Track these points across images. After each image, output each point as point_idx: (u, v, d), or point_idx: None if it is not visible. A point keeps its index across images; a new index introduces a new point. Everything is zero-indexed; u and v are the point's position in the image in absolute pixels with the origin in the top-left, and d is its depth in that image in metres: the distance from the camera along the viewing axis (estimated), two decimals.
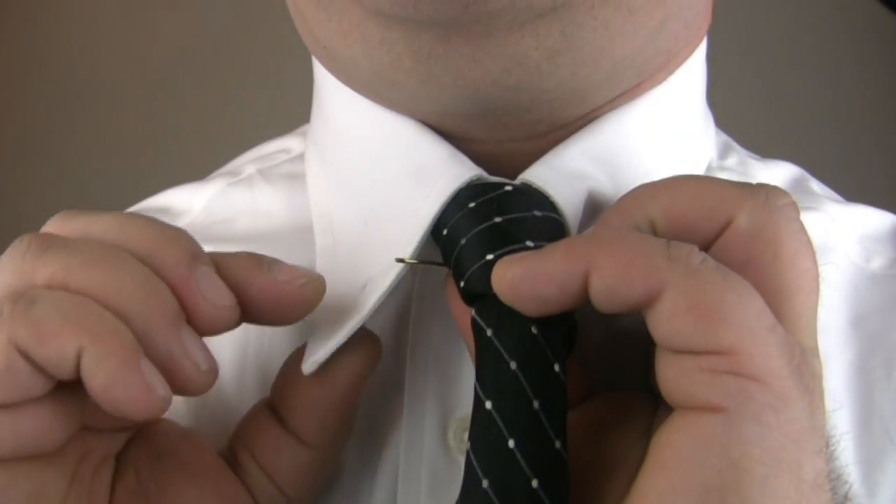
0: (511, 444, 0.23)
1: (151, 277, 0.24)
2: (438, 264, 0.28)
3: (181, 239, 0.25)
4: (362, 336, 0.28)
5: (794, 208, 0.23)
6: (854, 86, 1.13)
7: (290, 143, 0.39)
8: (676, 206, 0.23)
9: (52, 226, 0.26)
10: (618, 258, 0.22)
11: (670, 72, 0.31)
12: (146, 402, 0.22)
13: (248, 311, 0.26)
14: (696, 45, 0.33)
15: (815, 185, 0.38)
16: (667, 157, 0.31)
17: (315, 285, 0.26)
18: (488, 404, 0.24)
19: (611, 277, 0.22)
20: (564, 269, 0.23)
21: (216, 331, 0.25)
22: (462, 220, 0.27)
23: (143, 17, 1.22)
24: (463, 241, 0.26)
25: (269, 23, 1.18)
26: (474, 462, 0.24)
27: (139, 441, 0.27)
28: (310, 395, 0.28)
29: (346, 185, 0.32)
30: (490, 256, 0.25)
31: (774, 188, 0.23)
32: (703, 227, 0.23)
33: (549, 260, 0.23)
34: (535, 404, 0.23)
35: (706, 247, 0.23)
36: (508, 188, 0.27)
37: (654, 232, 0.24)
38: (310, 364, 0.27)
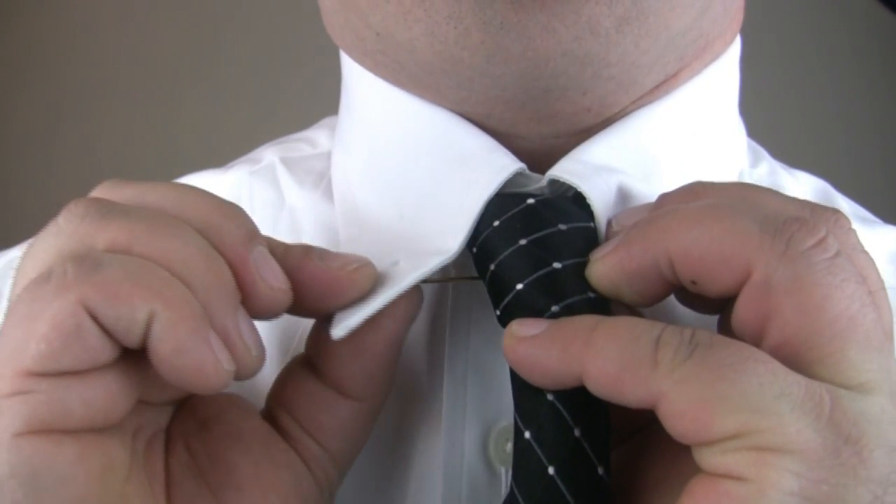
0: (551, 470, 0.24)
1: (213, 252, 0.23)
2: (473, 278, 0.28)
3: (239, 215, 0.25)
4: None
5: (823, 247, 0.22)
6: (853, 86, 1.13)
7: (316, 136, 0.38)
8: (695, 250, 0.23)
9: (101, 192, 0.25)
10: (607, 371, 0.22)
11: (704, 63, 0.31)
12: (213, 373, 0.22)
13: (299, 298, 0.25)
14: (729, 41, 0.33)
15: (843, 202, 0.38)
16: (700, 158, 0.31)
17: (367, 270, 0.26)
18: (527, 434, 0.24)
19: (602, 389, 0.22)
20: (559, 368, 0.23)
21: (268, 314, 0.24)
22: (489, 241, 0.27)
23: (143, 16, 1.22)
24: (493, 267, 0.26)
25: (272, 24, 1.18)
26: (515, 489, 0.24)
27: (184, 412, 0.26)
28: (353, 344, 0.26)
29: (379, 180, 0.31)
30: (520, 286, 0.25)
31: (804, 226, 0.22)
32: (722, 276, 0.22)
33: (546, 355, 0.23)
34: (577, 432, 0.24)
35: (728, 296, 0.23)
36: (531, 201, 0.27)
37: (673, 270, 0.23)
38: (341, 328, 0.25)
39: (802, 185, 0.37)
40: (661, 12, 0.27)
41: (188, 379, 0.22)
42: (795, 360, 0.21)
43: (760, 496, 0.20)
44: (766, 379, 0.20)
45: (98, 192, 0.25)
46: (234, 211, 0.25)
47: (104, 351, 0.22)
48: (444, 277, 0.29)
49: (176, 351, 0.22)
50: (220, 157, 0.41)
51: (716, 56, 0.32)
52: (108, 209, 0.23)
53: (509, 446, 0.25)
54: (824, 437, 0.20)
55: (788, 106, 1.11)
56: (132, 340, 0.22)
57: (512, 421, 0.25)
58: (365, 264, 0.26)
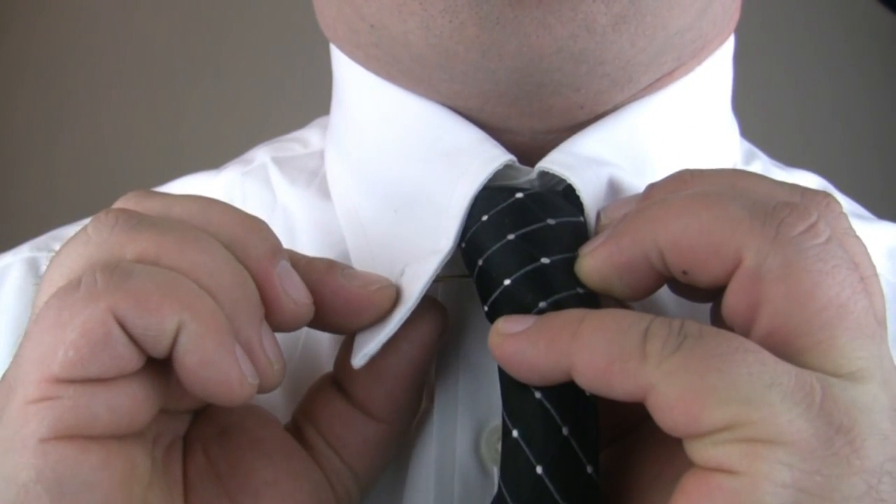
0: (539, 470, 0.23)
1: (238, 265, 0.23)
2: (463, 277, 0.28)
3: (263, 229, 0.25)
4: (426, 304, 0.27)
5: (814, 232, 0.22)
6: (853, 86, 1.13)
7: (307, 136, 0.38)
8: (685, 240, 0.22)
9: (127, 203, 0.25)
10: (595, 364, 0.22)
11: (699, 62, 0.31)
12: (238, 386, 0.22)
13: (320, 313, 0.25)
14: (724, 40, 0.33)
15: (841, 200, 0.37)
16: (692, 153, 0.31)
17: (388, 291, 0.26)
18: (515, 433, 0.24)
19: (591, 382, 0.22)
20: (546, 363, 0.23)
21: (289, 328, 0.25)
22: (478, 236, 0.26)
23: (143, 16, 1.22)
24: (481, 263, 0.26)
25: (271, 24, 1.18)
26: (503, 489, 0.24)
27: (203, 419, 0.27)
28: (375, 367, 0.26)
29: (371, 175, 0.31)
30: (507, 282, 0.25)
31: (794, 211, 0.22)
32: (713, 265, 0.22)
33: (533, 350, 0.23)
34: (565, 430, 0.23)
35: (719, 286, 0.23)
36: (519, 195, 0.27)
37: (663, 261, 0.23)
38: (360, 357, 0.26)
39: (799, 183, 0.37)
40: (659, 12, 0.27)
41: (213, 391, 0.22)
42: (785, 348, 0.21)
43: (753, 489, 0.20)
44: (755, 369, 0.20)
45: (124, 203, 0.25)
46: (258, 225, 0.25)
47: (131, 360, 0.22)
48: (435, 277, 0.29)
49: (202, 363, 0.22)
50: (219, 157, 0.41)
51: (710, 54, 0.32)
52: (137, 220, 0.23)
53: (500, 446, 0.25)
54: (816, 427, 0.20)
55: (787, 105, 1.11)
56: (159, 351, 0.22)
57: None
58: (385, 286, 0.26)
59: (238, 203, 0.35)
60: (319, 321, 0.26)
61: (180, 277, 0.22)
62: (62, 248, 0.24)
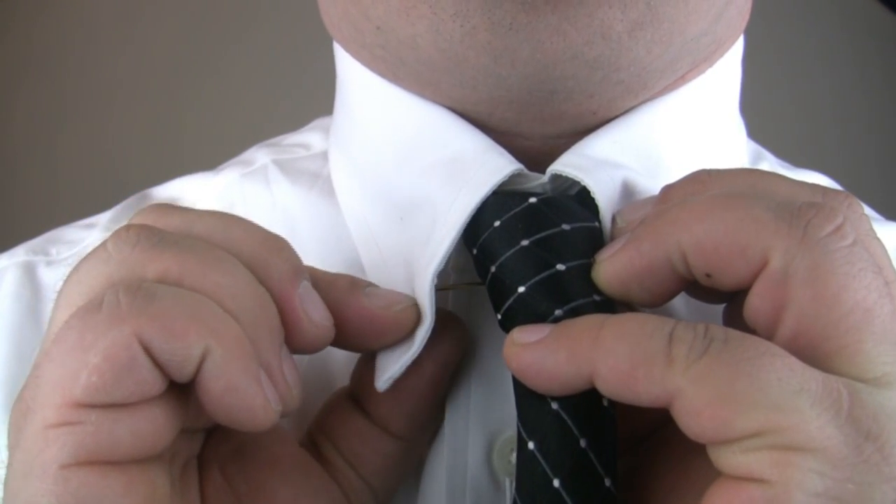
0: (556, 483, 0.23)
1: (260, 287, 0.23)
2: (475, 284, 0.27)
3: (285, 249, 0.24)
4: (448, 322, 0.27)
5: (841, 234, 0.21)
6: (854, 86, 1.13)
7: (308, 138, 0.38)
8: (709, 240, 0.22)
9: (146, 219, 0.24)
10: (619, 369, 0.21)
11: (711, 64, 0.31)
12: (262, 412, 0.22)
13: (341, 333, 0.25)
14: (735, 40, 0.32)
15: None
16: (703, 154, 0.31)
17: (411, 312, 0.26)
18: (531, 444, 0.23)
19: (614, 388, 0.22)
20: (567, 370, 0.22)
21: (310, 350, 0.24)
22: (490, 242, 0.26)
23: (144, 16, 1.22)
24: (493, 269, 0.26)
25: (272, 24, 1.18)
26: (518, 503, 0.24)
27: (217, 437, 0.26)
28: (397, 387, 0.26)
29: (376, 180, 0.31)
30: (522, 289, 0.25)
31: (820, 212, 0.21)
32: (738, 267, 0.22)
33: (552, 359, 0.23)
34: (583, 442, 0.23)
35: (743, 287, 0.22)
36: (533, 200, 0.26)
37: (686, 264, 0.23)
38: (385, 381, 0.25)
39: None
40: (677, 18, 0.27)
41: (236, 417, 0.22)
42: (810, 352, 0.21)
43: (786, 499, 0.19)
44: (783, 374, 0.20)
45: (144, 218, 0.24)
46: (279, 244, 0.24)
47: (155, 384, 0.21)
48: (445, 285, 0.28)
49: (228, 389, 0.21)
50: (220, 157, 0.41)
51: (722, 56, 0.32)
52: (159, 238, 0.23)
53: (514, 457, 0.24)
54: (846, 434, 0.19)
55: (788, 106, 1.11)
56: (184, 376, 0.21)
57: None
58: (409, 305, 0.26)
59: (238, 205, 0.35)
60: (341, 341, 0.25)
61: (205, 300, 0.22)
62: (80, 263, 0.23)
